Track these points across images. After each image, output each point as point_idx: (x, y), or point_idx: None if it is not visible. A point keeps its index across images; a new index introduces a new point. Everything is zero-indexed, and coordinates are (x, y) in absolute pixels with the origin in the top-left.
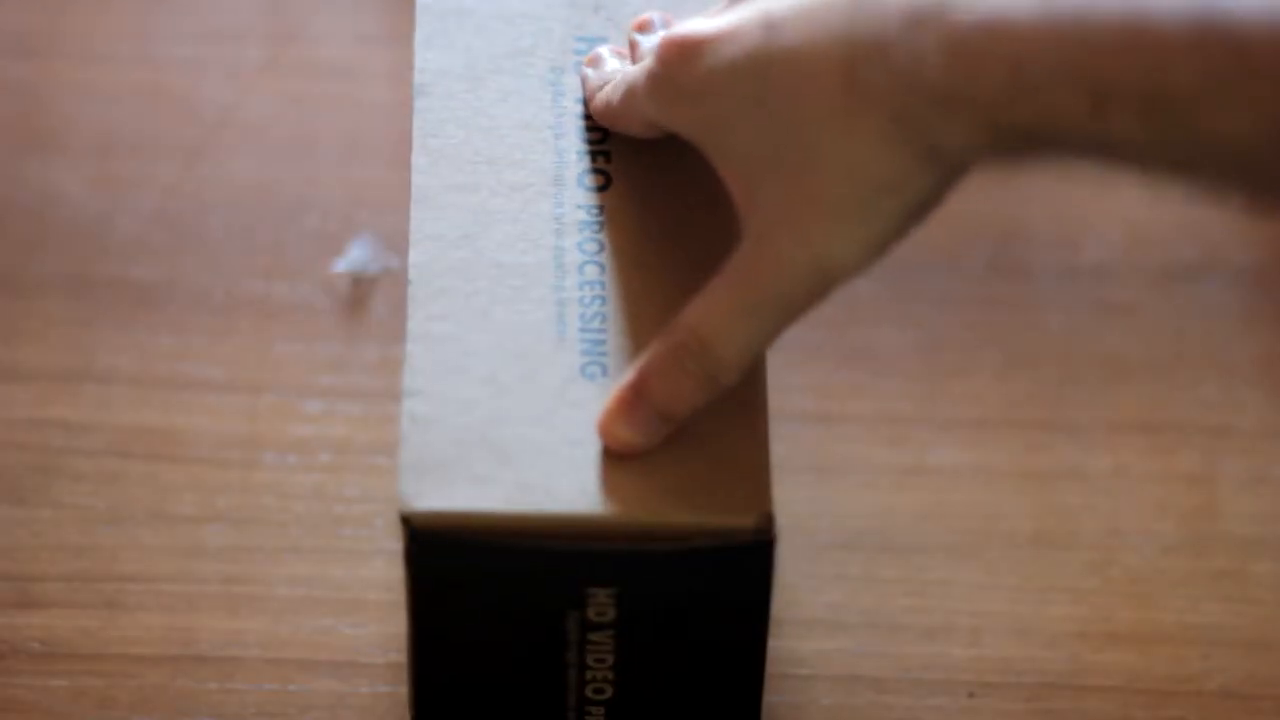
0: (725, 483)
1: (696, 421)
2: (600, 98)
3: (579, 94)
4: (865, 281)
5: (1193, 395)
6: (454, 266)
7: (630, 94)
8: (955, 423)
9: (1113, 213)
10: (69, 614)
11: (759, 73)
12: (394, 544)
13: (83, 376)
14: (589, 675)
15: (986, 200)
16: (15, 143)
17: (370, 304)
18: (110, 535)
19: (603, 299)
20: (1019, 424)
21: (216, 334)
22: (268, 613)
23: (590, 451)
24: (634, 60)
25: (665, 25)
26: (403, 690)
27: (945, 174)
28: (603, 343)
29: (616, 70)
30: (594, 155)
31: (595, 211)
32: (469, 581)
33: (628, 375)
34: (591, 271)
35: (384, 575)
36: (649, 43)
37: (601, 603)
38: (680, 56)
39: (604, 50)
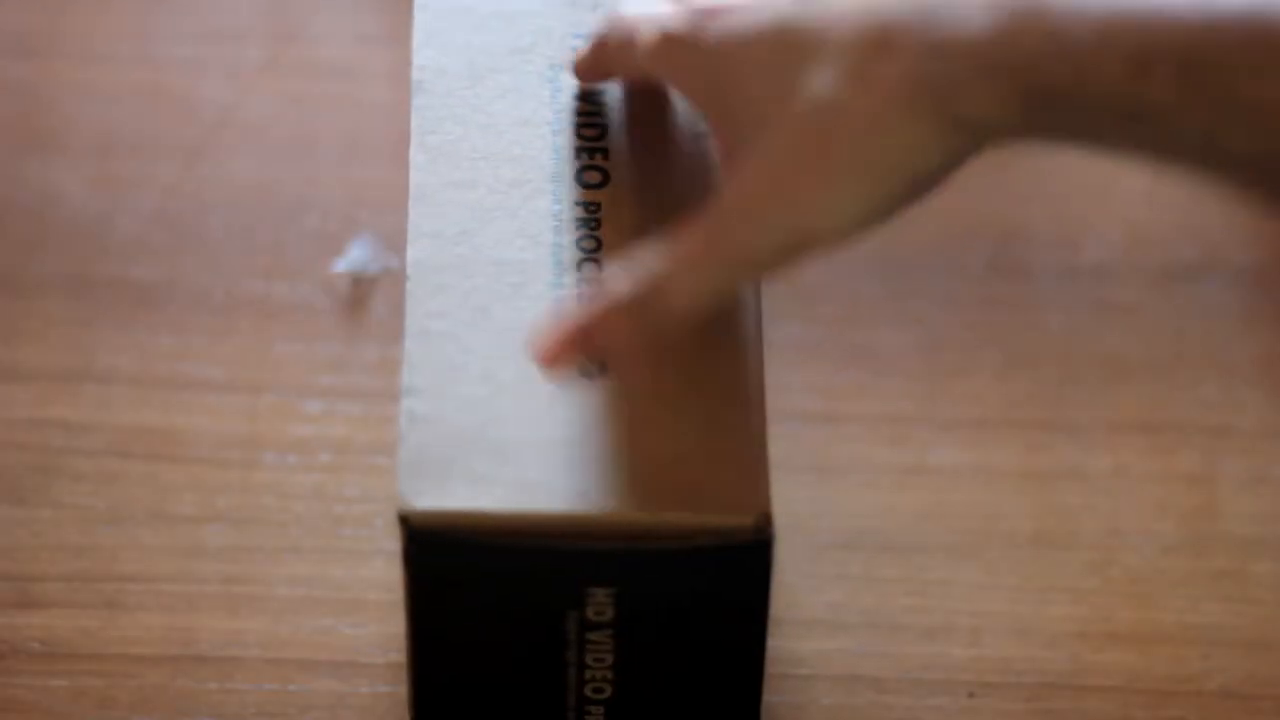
0: (725, 483)
1: (696, 422)
2: (601, 36)
3: (575, 90)
4: (865, 281)
5: (1193, 395)
6: (452, 263)
7: (636, 42)
8: (955, 423)
9: (1113, 213)
10: (69, 614)
11: (783, 36)
12: (394, 544)
13: (83, 376)
14: (588, 675)
15: (986, 200)
16: (15, 143)
17: (370, 304)
18: (110, 535)
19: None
20: (1019, 424)
21: (216, 334)
22: (268, 613)
23: (590, 451)
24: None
25: None
26: (403, 690)
27: (959, 148)
28: None
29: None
30: (592, 152)
31: (593, 208)
32: (468, 581)
33: (574, 306)
34: (590, 269)
35: (384, 575)
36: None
37: (601, 602)
38: (707, 18)
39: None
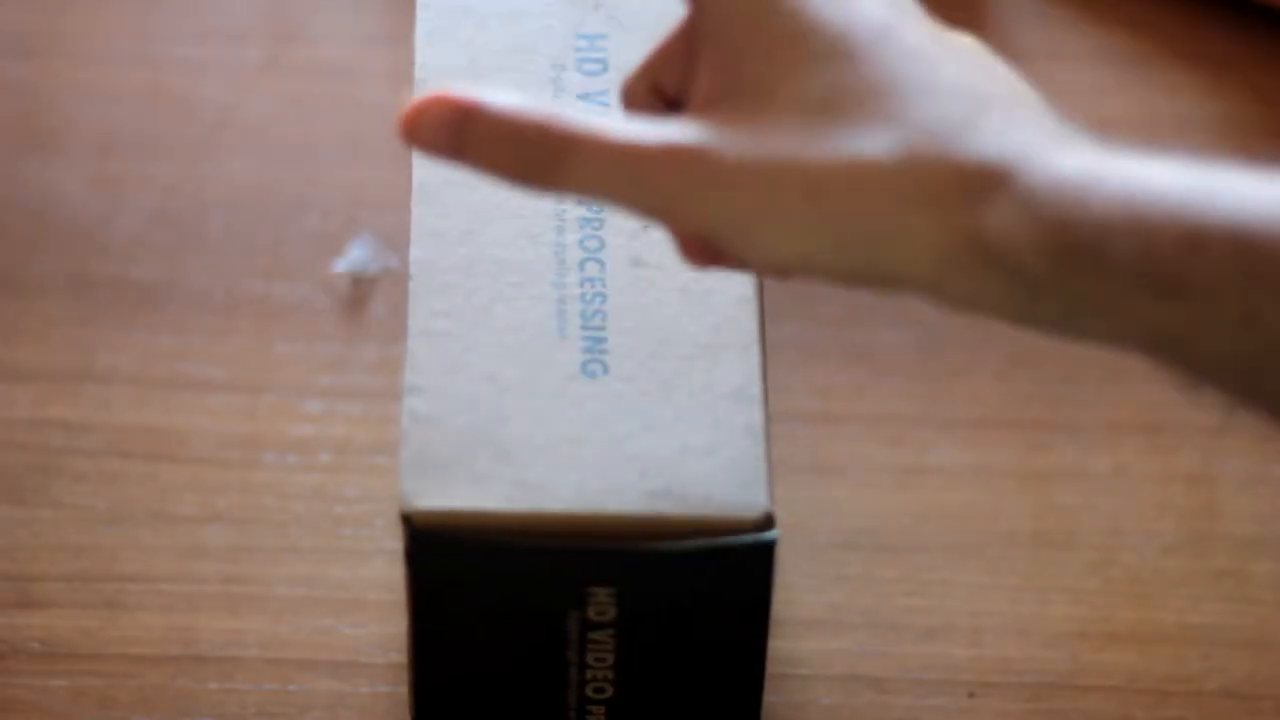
0: (725, 483)
1: (697, 422)
2: None
3: (580, 90)
4: None
5: (1193, 395)
6: (455, 263)
7: None
8: (955, 423)
9: None
10: (69, 614)
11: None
12: (394, 544)
13: (83, 376)
14: (589, 675)
15: None
16: (15, 143)
17: (370, 304)
18: (110, 535)
19: (604, 296)
20: (1019, 424)
21: (216, 334)
22: (268, 613)
23: (591, 450)
24: None
25: None
26: (403, 690)
27: (962, 276)
28: (603, 340)
29: None
30: None
31: (596, 208)
32: (469, 580)
33: (475, 90)
34: (592, 269)
35: (384, 575)
36: None
37: (602, 602)
38: None
39: None
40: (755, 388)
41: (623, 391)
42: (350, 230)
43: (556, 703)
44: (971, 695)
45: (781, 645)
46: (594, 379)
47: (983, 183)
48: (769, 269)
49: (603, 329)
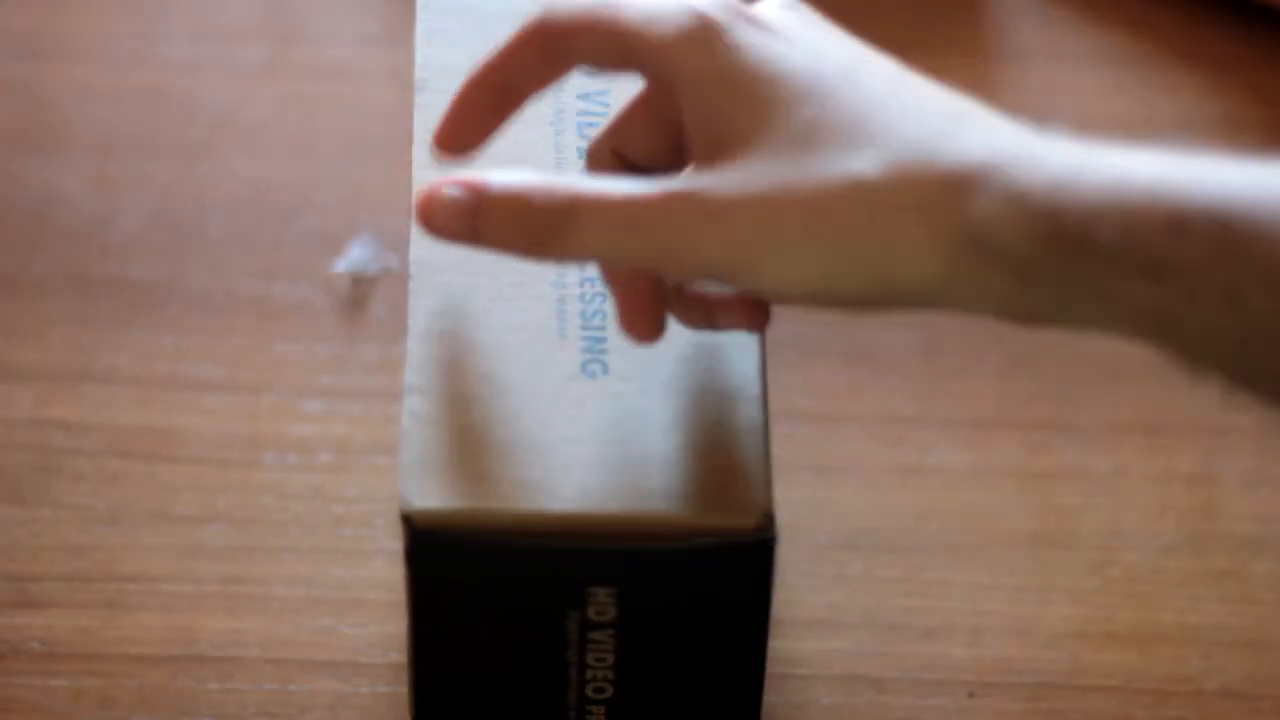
0: (725, 482)
1: (696, 421)
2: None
3: (579, 90)
4: None
5: (1193, 395)
6: (455, 263)
7: (655, 24)
8: (955, 423)
9: None
10: (69, 614)
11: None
12: (394, 544)
13: (83, 376)
14: (589, 675)
15: None
16: (15, 143)
17: (370, 304)
18: (110, 535)
19: (604, 296)
20: (1019, 424)
21: (216, 334)
22: (268, 613)
23: (591, 450)
24: None
25: None
26: (403, 690)
27: (959, 274)
28: (603, 340)
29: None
30: None
31: None
32: (470, 580)
33: (482, 175)
34: (592, 269)
35: (384, 575)
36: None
37: (602, 602)
38: (731, 10)
39: None
40: (755, 388)
41: (623, 391)
42: (350, 230)
43: (556, 703)
44: (971, 695)
45: (781, 645)
46: (594, 379)
47: (971, 181)
48: (776, 299)
49: (603, 329)
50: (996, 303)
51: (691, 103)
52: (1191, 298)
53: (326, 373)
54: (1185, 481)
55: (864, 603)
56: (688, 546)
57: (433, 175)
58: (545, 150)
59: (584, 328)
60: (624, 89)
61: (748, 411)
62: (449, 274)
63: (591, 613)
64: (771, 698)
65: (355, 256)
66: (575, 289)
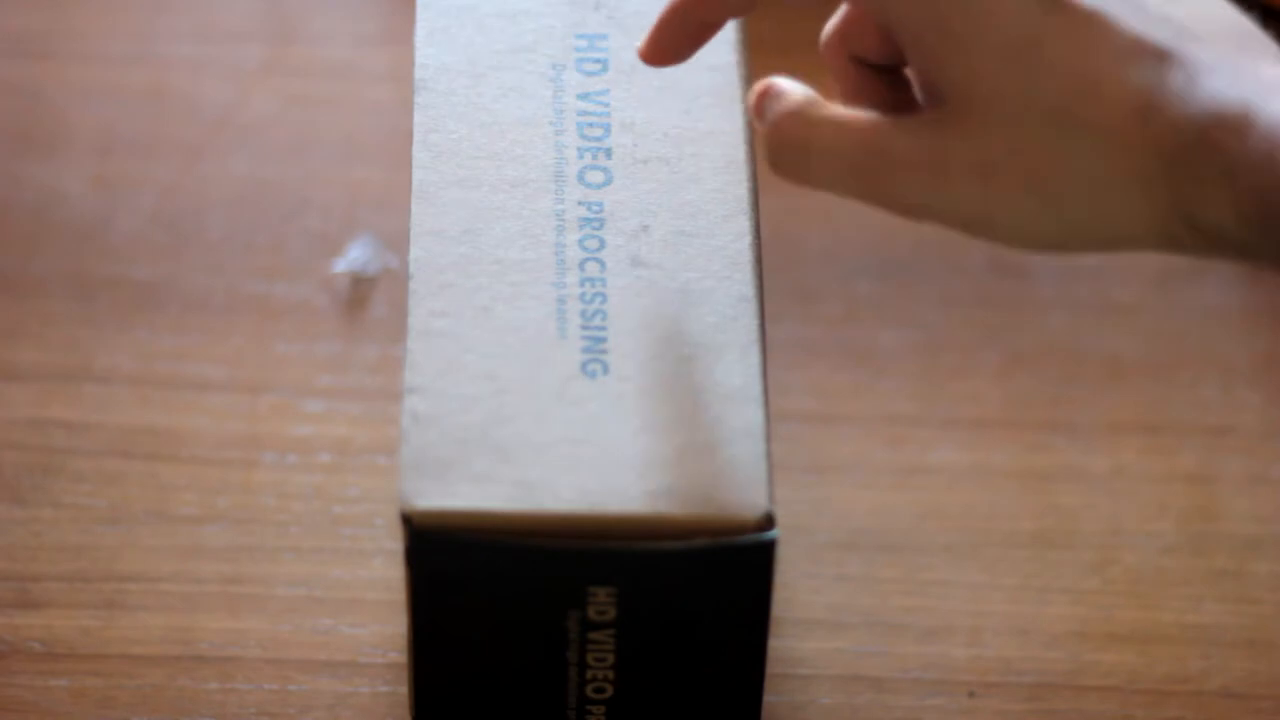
0: (725, 482)
1: (697, 421)
2: None
3: (579, 90)
4: (865, 281)
5: (1193, 395)
6: (455, 263)
7: None
8: (955, 423)
9: None
10: (69, 614)
11: (1034, 34)
12: (394, 544)
13: (83, 376)
14: (589, 674)
15: None
16: (15, 143)
17: (370, 304)
18: (110, 535)
19: (604, 296)
20: (1019, 424)
21: (216, 334)
22: (268, 613)
23: (591, 450)
24: None
25: None
26: (403, 690)
27: (1179, 242)
28: (603, 340)
29: None
30: (594, 152)
31: (596, 208)
32: (470, 581)
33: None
34: (592, 269)
35: (384, 575)
36: None
37: (602, 602)
38: None
39: None
40: (755, 388)
41: (623, 391)
42: (350, 230)
43: (556, 703)
44: (971, 695)
45: (781, 645)
46: (594, 379)
47: (1187, 161)
48: (1007, 247)
49: (603, 329)
50: (1226, 261)
51: (913, 52)
52: None
53: (326, 373)
54: (1185, 481)
55: (864, 603)
56: (688, 546)
57: (433, 175)
58: (545, 150)
59: (584, 328)
60: (624, 89)
61: (748, 411)
62: (449, 274)
63: (591, 613)
64: (771, 698)
65: (355, 256)
66: (575, 289)
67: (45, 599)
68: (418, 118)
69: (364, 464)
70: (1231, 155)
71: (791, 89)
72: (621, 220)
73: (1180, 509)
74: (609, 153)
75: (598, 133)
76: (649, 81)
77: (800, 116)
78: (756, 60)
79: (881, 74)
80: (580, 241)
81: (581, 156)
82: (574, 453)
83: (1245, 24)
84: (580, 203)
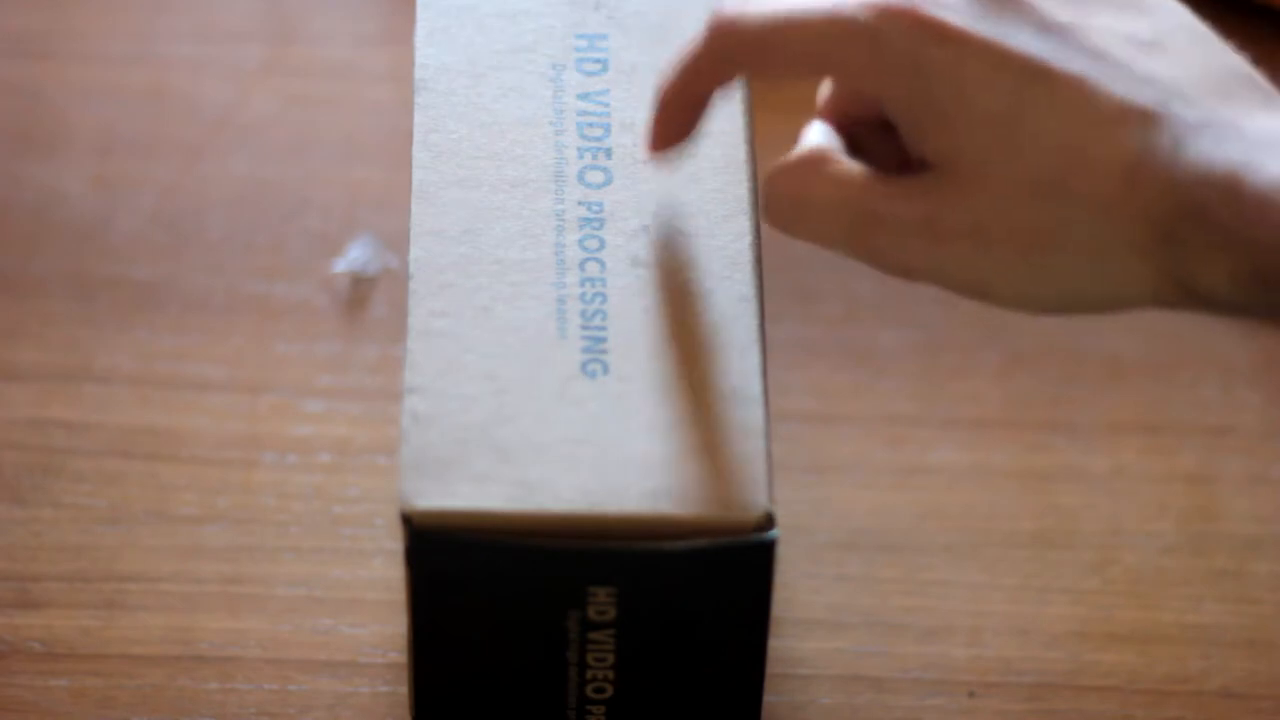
0: (725, 482)
1: (697, 421)
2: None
3: (579, 90)
4: (865, 281)
5: (1193, 395)
6: (455, 263)
7: (801, 25)
8: (955, 423)
9: None
10: (69, 614)
11: (1018, 107)
12: (394, 544)
13: (83, 376)
14: (589, 674)
15: None
16: (15, 143)
17: (370, 304)
18: (110, 535)
19: (604, 296)
20: (1019, 424)
21: (216, 334)
22: (268, 613)
23: (591, 450)
24: None
25: None
26: (403, 690)
27: (1175, 304)
28: (604, 340)
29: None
30: (595, 152)
31: (596, 208)
32: (470, 580)
33: None
34: (592, 268)
35: (384, 575)
36: None
37: (602, 602)
38: (913, 28)
39: None
40: (755, 388)
41: (623, 391)
42: (350, 230)
43: (556, 703)
44: (971, 695)
45: (781, 645)
46: (594, 379)
47: (1177, 227)
48: (1004, 308)
49: (603, 329)
50: (1223, 318)
51: (900, 124)
52: None
53: (326, 373)
54: (1185, 481)
55: (864, 603)
56: (688, 546)
57: (433, 175)
58: (545, 150)
59: (584, 328)
60: (624, 89)
61: (748, 411)
62: (449, 274)
63: (591, 613)
64: (771, 698)
65: (355, 256)
66: (575, 289)
67: (45, 599)
68: (418, 118)
69: (364, 464)
70: (1221, 222)
71: (803, 142)
72: (621, 220)
73: (1180, 509)
74: (609, 153)
75: (598, 133)
76: (649, 82)
77: (796, 173)
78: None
79: (881, 128)
80: (580, 241)
81: (581, 156)
82: (574, 453)
83: (1233, 64)
84: (580, 203)
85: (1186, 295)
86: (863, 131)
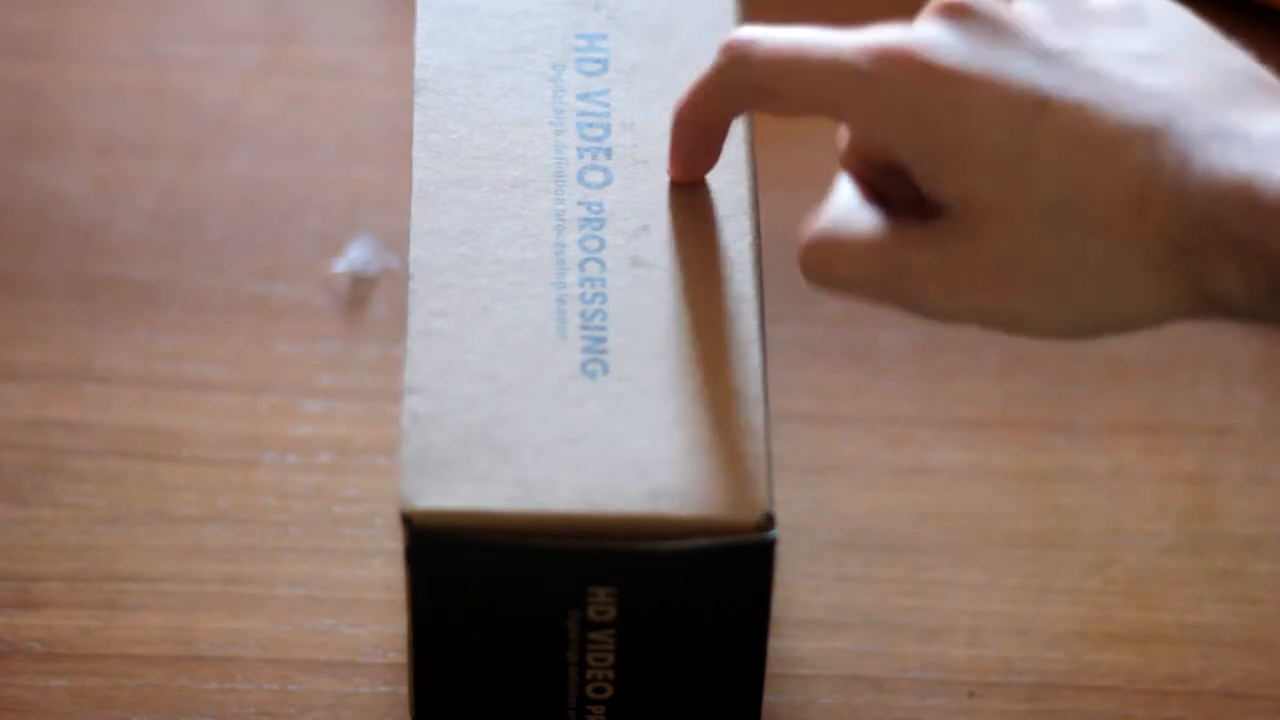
0: (725, 483)
1: (696, 421)
2: (763, 45)
3: (579, 90)
4: None
5: (1193, 395)
6: (455, 263)
7: (807, 68)
8: (955, 423)
9: None
10: (69, 614)
11: (1023, 142)
12: (394, 544)
13: (83, 376)
14: (589, 674)
15: None
16: (15, 143)
17: (370, 304)
18: (110, 535)
19: (604, 296)
20: (1019, 424)
21: (216, 334)
22: (268, 613)
23: (591, 450)
24: None
25: None
26: (403, 690)
27: (1196, 314)
28: (603, 340)
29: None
30: (595, 152)
31: (596, 208)
32: (470, 580)
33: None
34: (592, 268)
35: (384, 575)
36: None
37: (602, 602)
38: (912, 73)
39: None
40: (755, 388)
41: (623, 391)
42: (350, 230)
43: (556, 703)
44: (971, 695)
45: (781, 645)
46: (594, 379)
47: (1193, 250)
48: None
49: (603, 329)
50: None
51: (912, 169)
52: None
53: (326, 373)
54: (1185, 481)
55: (864, 603)
56: (688, 546)
57: (433, 175)
58: (545, 150)
59: (584, 328)
60: (624, 89)
61: (748, 411)
62: (449, 274)
63: (591, 613)
64: (771, 698)
65: (355, 256)
66: (575, 289)
67: (45, 599)
68: (418, 118)
69: (364, 464)
70: (1236, 233)
71: (823, 210)
72: (621, 220)
73: (1180, 509)
74: (609, 153)
75: (598, 133)
76: (649, 82)
77: (820, 244)
78: None
79: (899, 172)
80: (580, 241)
81: (581, 156)
82: (574, 453)
83: (1239, 65)
84: (580, 203)
85: (1206, 304)
86: (882, 176)
